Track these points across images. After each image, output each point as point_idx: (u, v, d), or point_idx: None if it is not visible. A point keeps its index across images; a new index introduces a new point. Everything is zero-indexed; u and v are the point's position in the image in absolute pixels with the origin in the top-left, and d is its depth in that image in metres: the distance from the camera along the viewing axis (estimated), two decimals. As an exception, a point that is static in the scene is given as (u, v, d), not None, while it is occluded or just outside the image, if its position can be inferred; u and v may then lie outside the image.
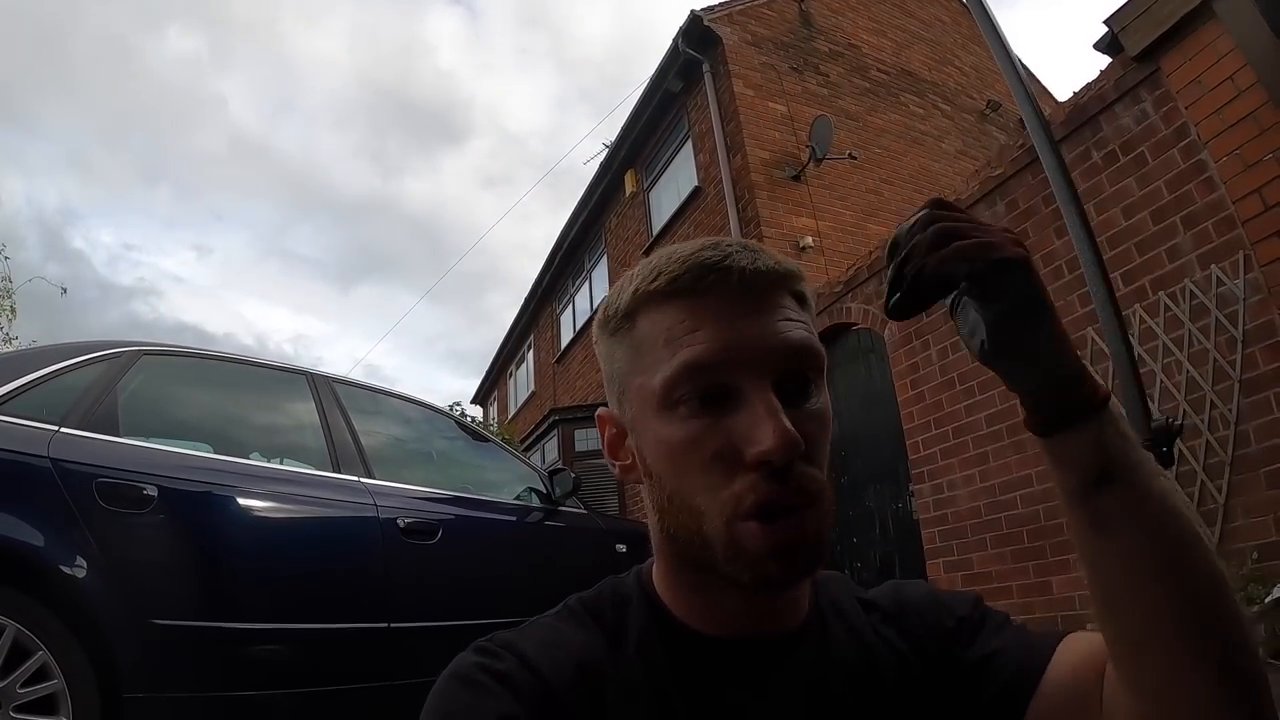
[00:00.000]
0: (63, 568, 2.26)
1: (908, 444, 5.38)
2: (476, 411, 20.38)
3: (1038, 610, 4.26)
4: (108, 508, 2.40)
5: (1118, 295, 3.82)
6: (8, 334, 8.15)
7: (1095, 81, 4.29)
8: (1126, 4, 3.88)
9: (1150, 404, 3.69)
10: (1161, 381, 3.71)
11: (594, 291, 12.91)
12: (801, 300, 0.67)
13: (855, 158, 9.01)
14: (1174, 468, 3.58)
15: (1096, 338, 3.86)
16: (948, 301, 0.60)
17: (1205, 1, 3.49)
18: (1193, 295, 3.62)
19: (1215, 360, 3.51)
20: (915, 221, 0.58)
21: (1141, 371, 3.71)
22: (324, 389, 3.46)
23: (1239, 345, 3.43)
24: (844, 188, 9.03)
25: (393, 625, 2.99)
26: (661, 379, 0.62)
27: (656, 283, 0.65)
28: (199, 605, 2.57)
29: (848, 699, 0.67)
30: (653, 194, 10.84)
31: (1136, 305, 3.84)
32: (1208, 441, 3.51)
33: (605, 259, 12.31)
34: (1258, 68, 3.29)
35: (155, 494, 2.51)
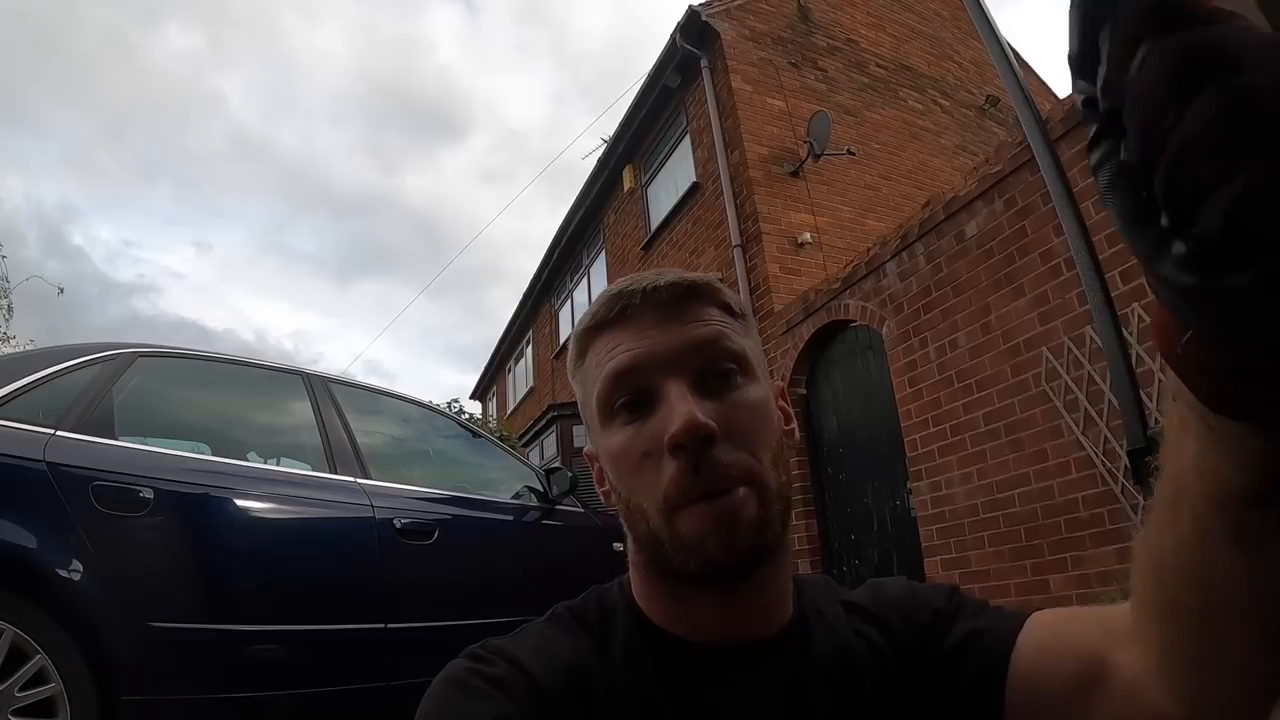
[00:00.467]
0: (59, 571, 2.26)
1: (906, 441, 5.39)
2: (475, 407, 20.38)
3: (1035, 609, 4.26)
4: (104, 511, 2.40)
5: (1118, 293, 3.83)
6: (5, 333, 8.14)
7: (1095, 79, 4.28)
8: None
9: (1147, 403, 3.70)
10: (1159, 380, 3.71)
11: (592, 287, 12.89)
12: (727, 309, 0.71)
13: (854, 153, 8.99)
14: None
15: (1095, 336, 3.86)
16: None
17: None
18: (1192, 295, 3.60)
19: (1214, 360, 3.50)
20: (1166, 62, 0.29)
21: (1140, 370, 3.71)
22: (320, 389, 3.46)
23: (1238, 345, 3.41)
24: (842, 183, 9.01)
25: (390, 626, 3.00)
26: (596, 393, 0.69)
27: (588, 322, 0.72)
28: (196, 607, 2.57)
29: (827, 701, 0.68)
30: (651, 190, 10.82)
31: (1135, 304, 3.83)
32: (1206, 442, 3.50)
33: (603, 254, 12.29)
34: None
35: (151, 496, 2.51)
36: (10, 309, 8.19)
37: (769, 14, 9.66)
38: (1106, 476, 3.92)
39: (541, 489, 3.99)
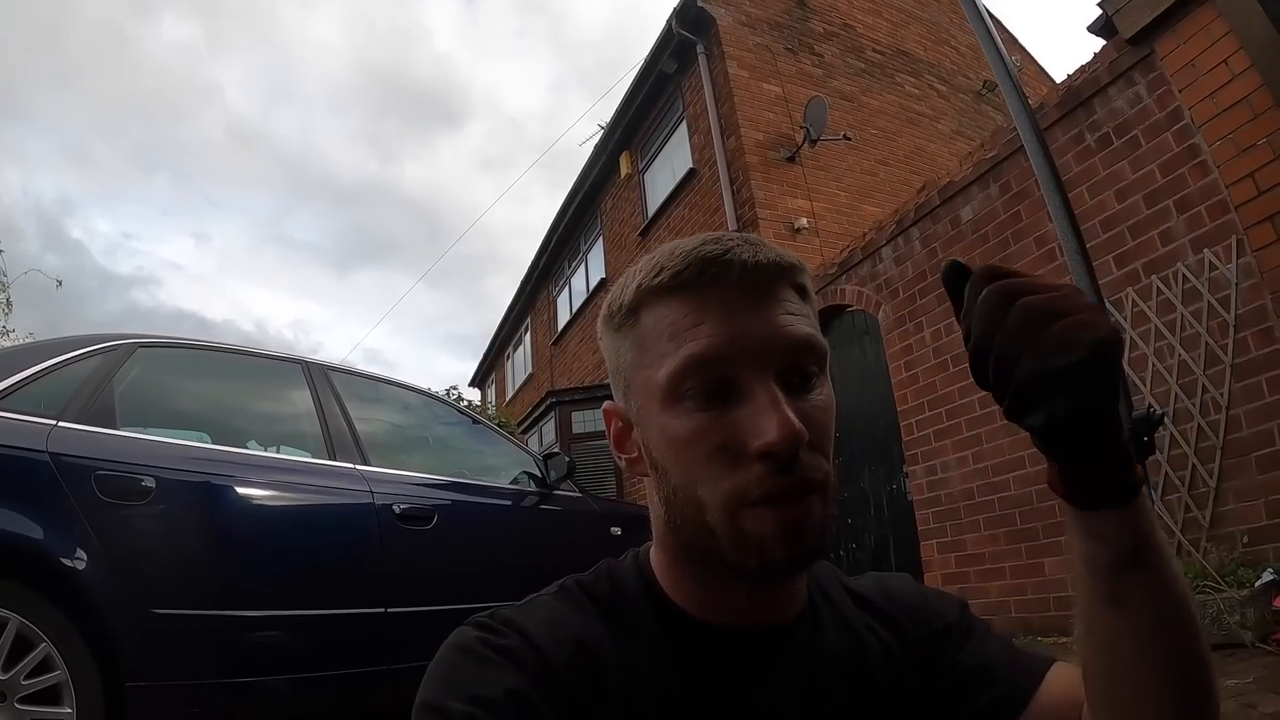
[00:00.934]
0: (63, 560, 2.28)
1: (902, 425, 5.42)
2: (475, 395, 20.38)
3: (1030, 591, 4.30)
4: (107, 500, 2.42)
5: (1112, 278, 3.86)
6: (4, 326, 8.14)
7: (1089, 64, 4.29)
8: (1121, -14, 3.87)
9: (1136, 389, 3.72)
10: (1154, 365, 3.73)
11: (590, 274, 12.89)
12: (803, 293, 0.68)
13: (850, 139, 8.98)
14: (1155, 455, 3.62)
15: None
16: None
17: (1200, -16, 3.49)
18: (1185, 279, 3.63)
19: (1207, 344, 3.54)
20: (987, 299, 0.52)
21: (1134, 355, 3.74)
22: (319, 377, 3.47)
23: (1231, 330, 3.45)
24: (839, 169, 9.01)
25: (390, 610, 3.02)
26: (666, 373, 0.63)
27: (659, 278, 0.65)
28: (198, 594, 2.59)
29: (840, 689, 0.69)
30: (648, 176, 10.81)
31: (1129, 289, 3.85)
32: (1199, 425, 3.54)
33: (601, 241, 12.28)
34: (1252, 52, 3.29)
35: (153, 485, 2.53)
36: (9, 303, 8.18)
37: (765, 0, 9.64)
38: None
39: (540, 474, 4.01)
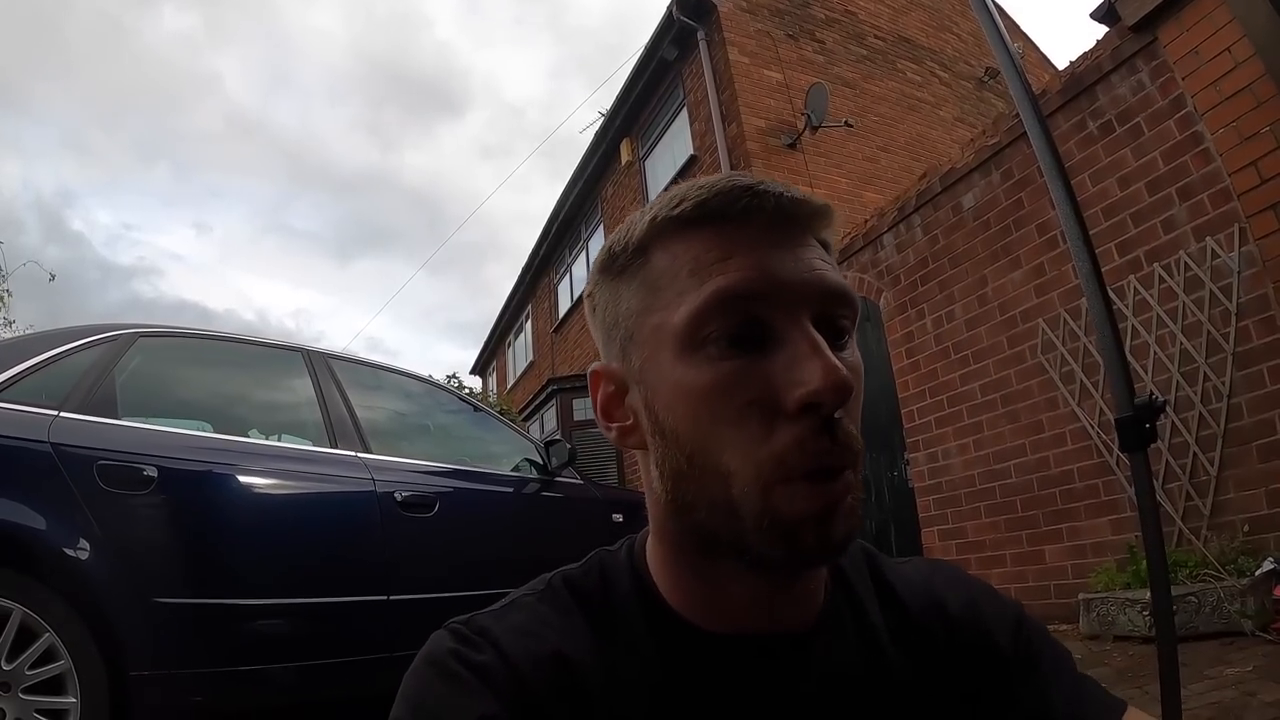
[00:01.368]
0: (66, 550, 2.29)
1: (903, 412, 5.42)
2: (475, 383, 20.41)
3: (1030, 579, 4.31)
4: (109, 489, 2.42)
5: (1115, 265, 3.86)
6: (5, 317, 8.14)
7: (1092, 51, 4.27)
8: (1124, -28, 3.85)
9: (1138, 377, 3.72)
10: (1155, 353, 3.73)
11: (591, 261, 12.84)
12: (826, 247, 0.60)
13: (851, 125, 8.96)
14: (1158, 443, 3.62)
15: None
16: None
17: (1203, -29, 3.47)
18: (1187, 267, 3.63)
19: (1209, 333, 3.53)
20: None
21: (1135, 343, 3.74)
22: (320, 365, 3.47)
23: (1233, 318, 3.44)
24: (840, 155, 8.99)
25: (392, 597, 3.03)
26: (688, 312, 0.54)
27: (681, 208, 0.57)
28: (201, 583, 2.60)
29: (852, 712, 0.60)
30: (648, 163, 10.79)
31: (1131, 277, 3.85)
32: (1200, 414, 3.54)
33: (601, 228, 12.28)
34: (1255, 40, 3.28)
35: (155, 474, 2.54)
36: (9, 294, 8.18)
37: (766, -15, 9.59)
38: (1102, 448, 3.95)
39: (541, 461, 4.02)
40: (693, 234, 0.56)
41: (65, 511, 2.33)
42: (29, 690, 2.18)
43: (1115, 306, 3.81)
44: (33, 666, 2.19)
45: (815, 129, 8.55)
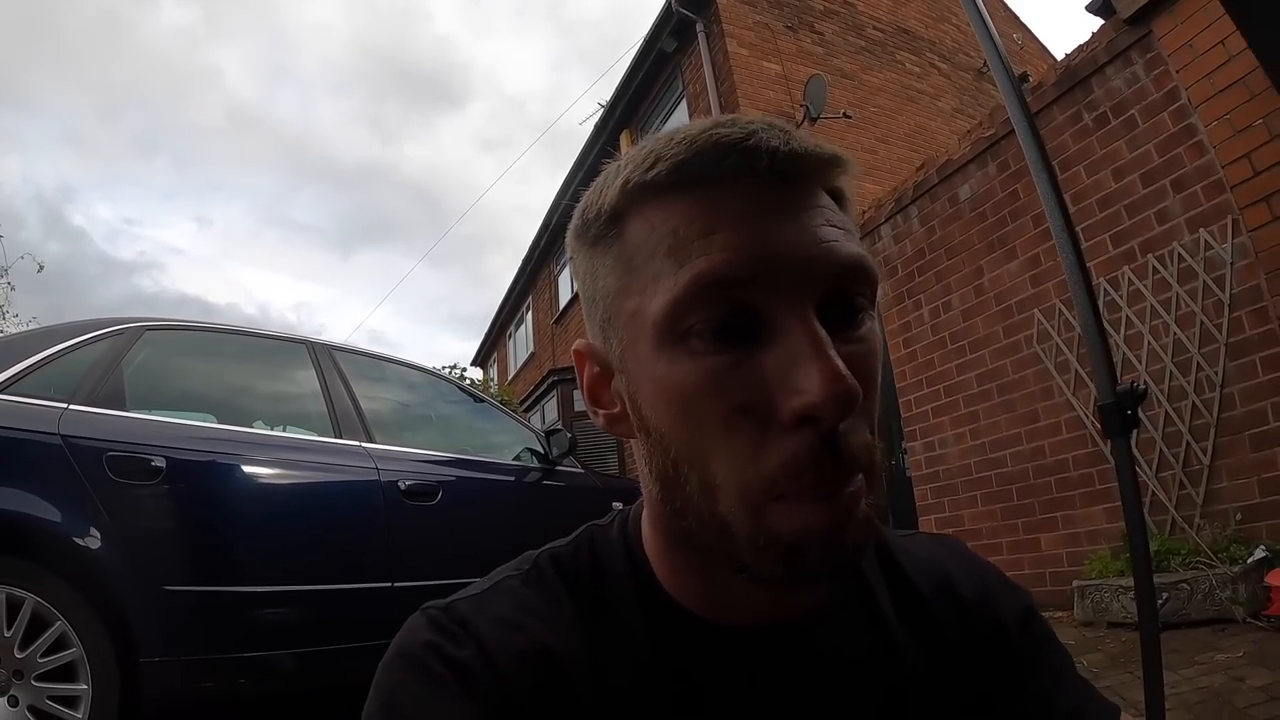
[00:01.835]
0: (77, 540, 2.34)
1: (900, 402, 5.45)
2: (477, 374, 20.45)
3: (1026, 567, 4.35)
4: (118, 480, 2.47)
5: (1108, 256, 3.89)
6: (4, 309, 8.20)
7: (1087, 44, 4.29)
8: (1119, -34, 3.87)
9: (1132, 366, 3.76)
10: (1149, 343, 3.77)
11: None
12: (840, 199, 0.53)
13: (850, 117, 8.97)
14: (1153, 432, 3.66)
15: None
16: None
17: (1198, -35, 3.49)
18: (1181, 259, 3.66)
19: (1202, 323, 3.57)
20: None
21: (1130, 333, 3.78)
22: (324, 357, 3.51)
23: (1226, 309, 3.48)
24: (839, 147, 8.97)
25: (396, 584, 3.07)
26: (664, 302, 0.46)
27: (654, 170, 0.48)
28: (209, 571, 2.65)
29: (863, 710, 0.56)
30: (648, 154, 10.76)
31: (1125, 267, 3.88)
32: (1193, 404, 3.58)
33: (601, 220, 12.25)
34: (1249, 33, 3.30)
35: (164, 465, 2.58)
36: (11, 287, 8.23)
37: (765, -24, 9.59)
38: (1096, 437, 3.99)
39: (542, 450, 4.06)
40: (671, 201, 0.48)
41: (76, 502, 2.37)
42: (41, 678, 2.23)
43: (1109, 297, 3.86)
44: (45, 654, 2.24)
45: (814, 120, 8.57)
